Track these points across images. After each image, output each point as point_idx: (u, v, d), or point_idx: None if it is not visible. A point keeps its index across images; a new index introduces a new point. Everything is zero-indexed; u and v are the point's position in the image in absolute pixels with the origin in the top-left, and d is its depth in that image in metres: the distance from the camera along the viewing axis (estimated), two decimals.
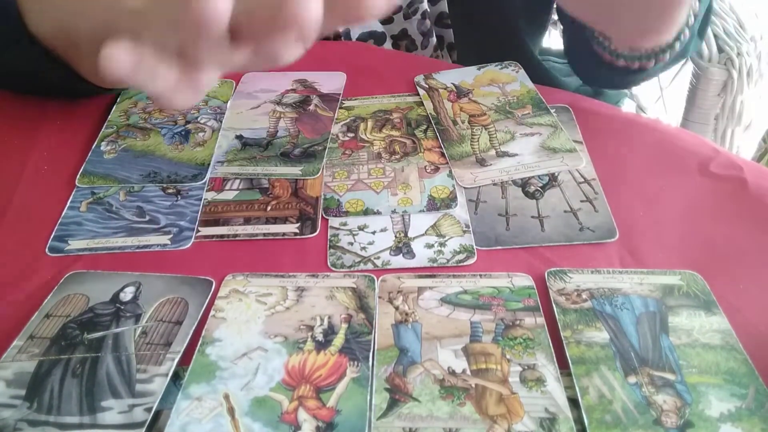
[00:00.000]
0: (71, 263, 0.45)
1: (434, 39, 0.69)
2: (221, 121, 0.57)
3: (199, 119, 0.57)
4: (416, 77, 0.61)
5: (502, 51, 0.63)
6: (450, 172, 0.51)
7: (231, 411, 0.35)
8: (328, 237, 0.46)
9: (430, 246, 0.45)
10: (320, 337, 0.39)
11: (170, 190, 0.50)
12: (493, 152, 0.53)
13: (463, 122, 0.56)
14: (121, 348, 0.38)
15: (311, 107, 0.58)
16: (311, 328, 0.40)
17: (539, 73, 0.62)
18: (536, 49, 0.71)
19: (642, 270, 0.43)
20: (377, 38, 0.69)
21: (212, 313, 0.41)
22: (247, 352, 0.38)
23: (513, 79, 0.60)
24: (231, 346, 0.39)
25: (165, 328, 0.40)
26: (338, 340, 0.39)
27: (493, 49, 0.65)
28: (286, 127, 0.56)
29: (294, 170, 0.52)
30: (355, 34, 0.68)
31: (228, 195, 0.50)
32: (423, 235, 0.46)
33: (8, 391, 0.36)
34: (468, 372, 0.37)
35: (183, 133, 0.55)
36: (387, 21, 0.68)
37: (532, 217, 0.47)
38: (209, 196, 0.50)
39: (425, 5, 0.69)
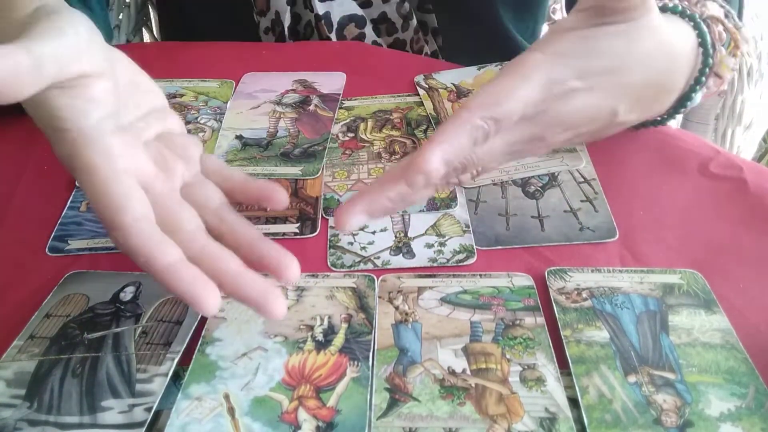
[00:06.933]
0: (71, 263, 0.45)
1: (414, 22, 0.68)
2: (221, 121, 0.57)
3: (199, 119, 0.57)
4: (416, 77, 0.61)
5: (485, 35, 0.62)
6: None
7: (231, 411, 0.35)
8: (328, 237, 0.46)
9: (430, 246, 0.45)
10: (320, 337, 0.39)
11: None
12: None
13: None
14: (121, 348, 0.38)
15: (311, 107, 0.58)
16: (311, 327, 0.40)
17: None
18: (525, 38, 0.71)
19: (642, 269, 0.43)
20: (357, 21, 0.68)
21: None
22: (247, 351, 0.38)
23: None
24: (231, 346, 0.39)
25: (165, 328, 0.40)
26: (338, 340, 0.39)
27: (475, 34, 0.64)
28: (286, 127, 0.56)
29: (294, 170, 0.52)
30: (335, 17, 0.68)
31: None
32: (423, 234, 0.46)
33: (8, 391, 0.36)
34: (468, 372, 0.37)
35: None
36: (366, 5, 0.68)
37: (532, 216, 0.47)
38: None
39: None
